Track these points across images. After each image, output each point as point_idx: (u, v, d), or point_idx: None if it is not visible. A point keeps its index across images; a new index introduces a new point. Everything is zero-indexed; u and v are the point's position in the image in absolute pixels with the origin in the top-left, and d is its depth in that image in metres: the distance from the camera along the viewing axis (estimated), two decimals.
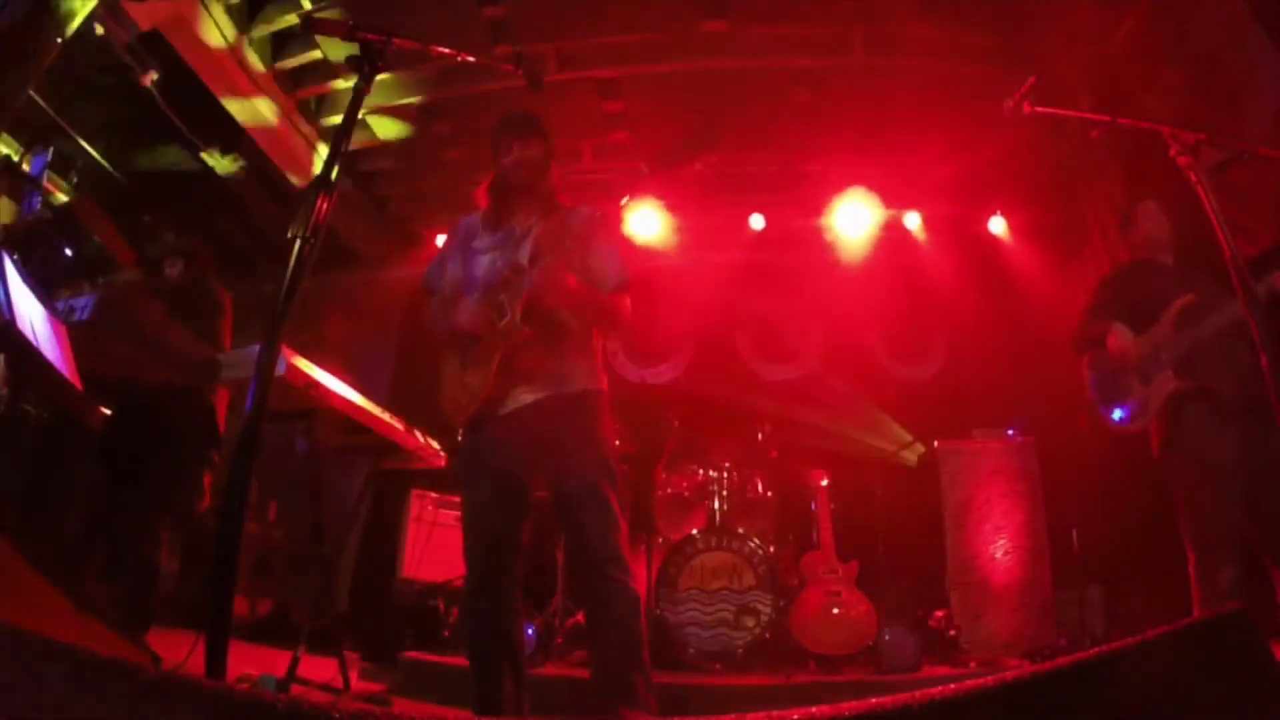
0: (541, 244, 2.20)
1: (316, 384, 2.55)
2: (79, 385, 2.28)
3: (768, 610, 3.67)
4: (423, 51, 1.80)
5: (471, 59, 1.98)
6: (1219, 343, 2.52)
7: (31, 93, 3.61)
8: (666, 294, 5.88)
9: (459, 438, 2.26)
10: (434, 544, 4.67)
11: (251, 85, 4.65)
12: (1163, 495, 2.72)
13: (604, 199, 2.20)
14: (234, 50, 4.44)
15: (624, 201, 2.18)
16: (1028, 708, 0.94)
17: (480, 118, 4.77)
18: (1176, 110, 4.02)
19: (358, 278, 6.22)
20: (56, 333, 2.27)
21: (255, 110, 4.81)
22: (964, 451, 4.73)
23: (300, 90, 5.02)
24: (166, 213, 5.28)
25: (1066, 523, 4.50)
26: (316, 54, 4.75)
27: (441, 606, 4.15)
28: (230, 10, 4.32)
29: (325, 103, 5.29)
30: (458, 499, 4.59)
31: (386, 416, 2.92)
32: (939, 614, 4.23)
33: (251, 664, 2.60)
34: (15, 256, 2.14)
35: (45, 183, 4.46)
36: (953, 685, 0.96)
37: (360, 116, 4.13)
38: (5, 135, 4.32)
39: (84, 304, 2.58)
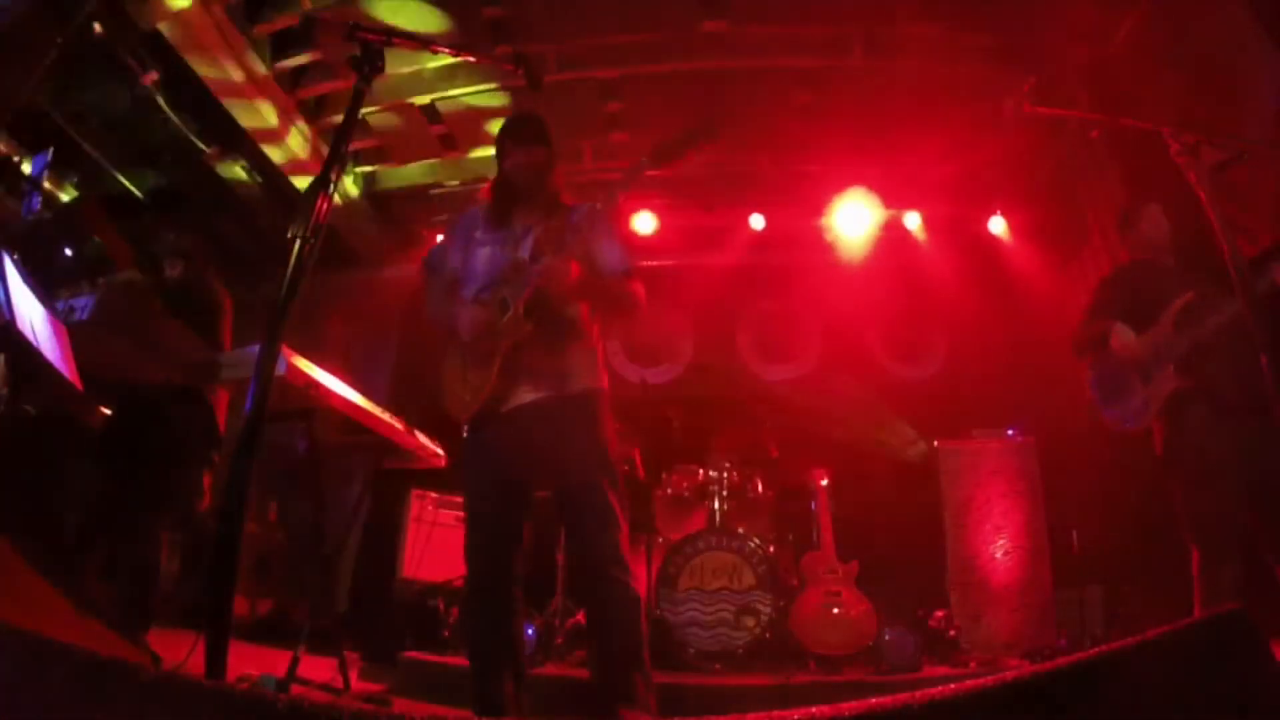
0: (544, 241, 2.21)
1: (316, 384, 2.55)
2: (79, 385, 2.28)
3: (768, 610, 3.67)
4: (423, 51, 1.80)
5: (472, 59, 1.99)
6: (1220, 341, 2.52)
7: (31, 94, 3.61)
8: (666, 294, 5.88)
9: (464, 435, 2.26)
10: (434, 544, 4.67)
11: (252, 85, 4.65)
12: (1163, 495, 2.72)
13: (605, 195, 2.20)
14: (234, 50, 4.44)
15: (625, 190, 2.18)
16: (1028, 708, 0.94)
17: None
18: (1176, 110, 4.02)
19: (358, 278, 6.22)
20: (56, 333, 2.27)
21: (255, 110, 4.81)
22: (964, 451, 4.73)
23: (300, 90, 5.02)
24: (166, 213, 5.29)
25: (1066, 523, 4.50)
26: (317, 54, 4.76)
27: (441, 606, 4.14)
28: (230, 10, 4.32)
29: (325, 103, 5.29)
30: (458, 499, 4.63)
31: (386, 416, 2.92)
32: (939, 614, 4.22)
33: (251, 664, 2.59)
34: (15, 256, 2.14)
35: (45, 183, 4.46)
36: (953, 685, 0.96)
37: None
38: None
39: (84, 304, 2.57)
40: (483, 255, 2.30)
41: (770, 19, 4.53)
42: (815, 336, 6.46)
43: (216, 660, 1.25)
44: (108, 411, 2.90)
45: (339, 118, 4.99)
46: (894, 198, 5.73)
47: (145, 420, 2.92)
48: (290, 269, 1.48)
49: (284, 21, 4.47)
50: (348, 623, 4.63)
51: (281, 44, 4.73)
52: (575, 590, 3.75)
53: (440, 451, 3.23)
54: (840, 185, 5.65)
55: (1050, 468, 4.61)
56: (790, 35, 4.61)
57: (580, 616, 3.62)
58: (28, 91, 3.56)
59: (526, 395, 2.16)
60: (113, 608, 2.64)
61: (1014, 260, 5.72)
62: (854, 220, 5.73)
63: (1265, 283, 2.32)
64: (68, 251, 3.97)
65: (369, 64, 1.69)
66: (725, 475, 4.24)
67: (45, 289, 2.32)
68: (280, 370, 2.33)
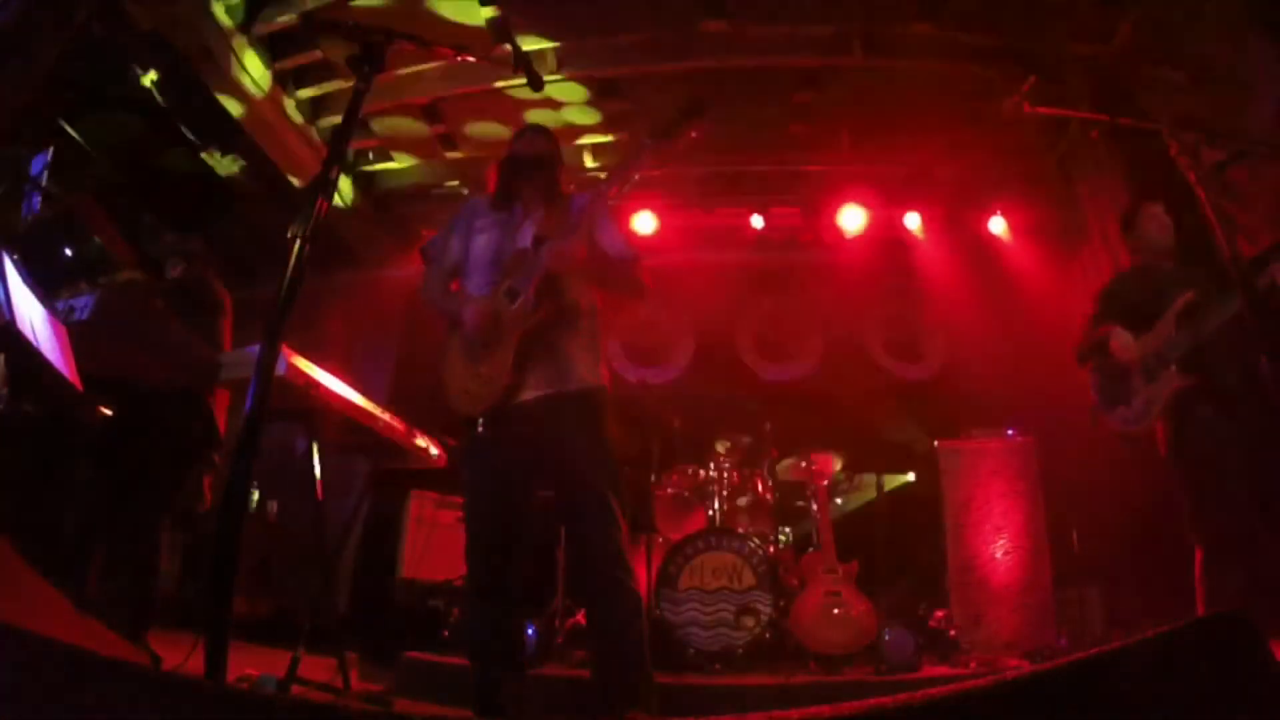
0: (547, 227, 2.22)
1: (316, 384, 2.55)
2: (79, 385, 2.28)
3: (768, 610, 3.67)
4: (423, 51, 1.80)
5: (472, 59, 1.99)
6: (1223, 339, 2.52)
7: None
8: (666, 294, 5.88)
9: (467, 431, 2.25)
10: (434, 544, 4.67)
11: (251, 85, 4.65)
12: (1163, 495, 2.72)
13: (611, 178, 2.23)
14: (234, 50, 4.44)
15: (630, 174, 2.19)
16: (1028, 708, 0.94)
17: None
18: (1176, 110, 4.02)
19: (358, 278, 6.22)
20: (56, 333, 2.27)
21: (255, 110, 4.81)
22: (964, 451, 4.72)
23: (300, 90, 5.02)
24: (167, 213, 5.28)
25: (1066, 523, 4.49)
26: (316, 54, 4.75)
27: (441, 606, 4.15)
28: (230, 10, 4.32)
29: (325, 103, 5.29)
30: (458, 499, 4.63)
31: (386, 416, 2.92)
32: (939, 614, 4.22)
33: (251, 664, 2.59)
34: (15, 256, 2.14)
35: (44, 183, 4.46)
36: (953, 685, 0.96)
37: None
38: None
39: (84, 304, 2.57)
40: (484, 242, 2.32)
41: (770, 19, 4.53)
42: (815, 336, 6.46)
43: (216, 660, 1.25)
44: (108, 411, 2.90)
45: (339, 118, 4.99)
46: (894, 197, 5.73)
47: (145, 420, 2.92)
48: (290, 269, 1.48)
49: (284, 22, 4.47)
50: (348, 623, 4.64)
51: (282, 44, 4.74)
52: (575, 590, 3.75)
53: (440, 452, 3.24)
54: (840, 185, 5.65)
55: (1050, 468, 4.61)
56: (790, 35, 4.61)
57: (580, 616, 3.62)
58: (28, 91, 3.55)
59: (528, 392, 2.16)
60: (113, 608, 2.64)
61: (1014, 260, 5.72)
62: (854, 220, 5.73)
63: (1265, 282, 2.32)
64: (68, 251, 3.97)
65: (369, 64, 1.69)
66: (725, 475, 4.24)
67: (45, 289, 2.32)
68: (280, 370, 2.33)
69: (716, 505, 4.18)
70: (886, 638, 3.46)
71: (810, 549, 3.98)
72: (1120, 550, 4.33)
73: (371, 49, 1.69)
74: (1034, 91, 2.00)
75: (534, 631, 3.52)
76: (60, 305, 2.53)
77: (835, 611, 3.61)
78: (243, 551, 1.37)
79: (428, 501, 4.95)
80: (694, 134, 2.10)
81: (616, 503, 2.10)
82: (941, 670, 3.54)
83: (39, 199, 4.26)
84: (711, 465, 4.30)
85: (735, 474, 4.28)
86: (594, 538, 2.07)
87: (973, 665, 3.66)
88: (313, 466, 2.78)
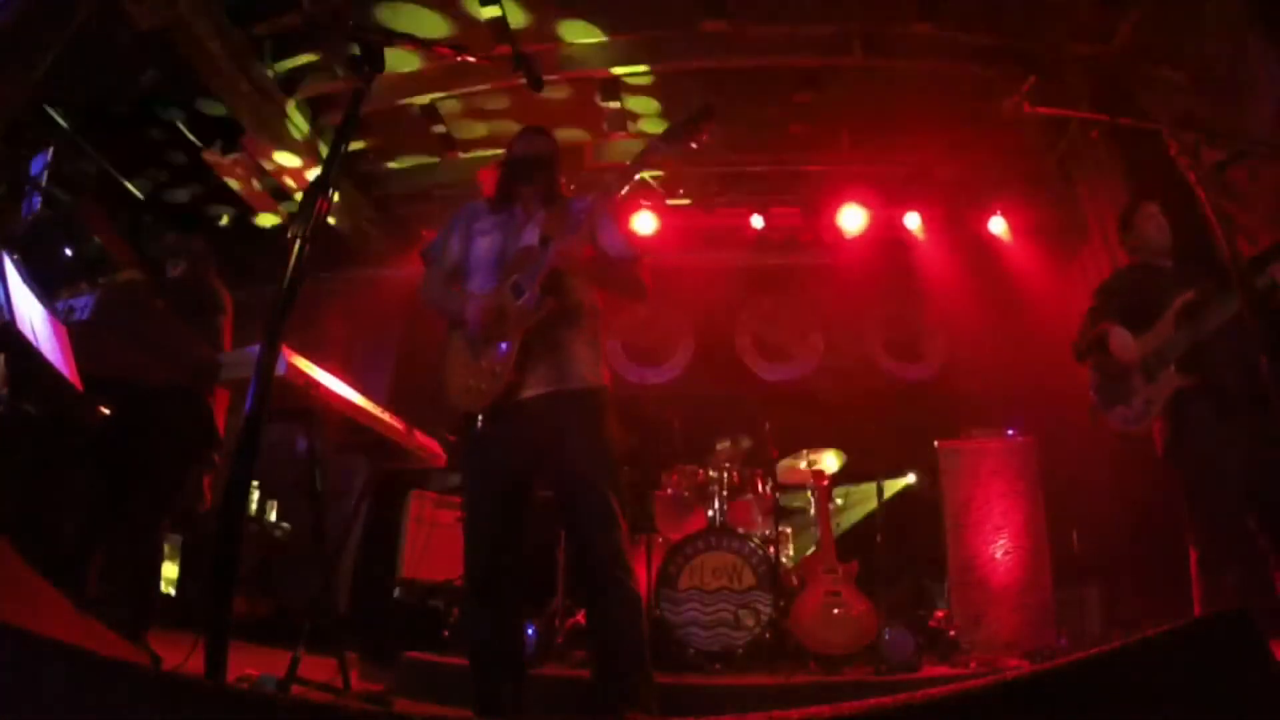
0: (550, 227, 2.22)
1: (316, 384, 2.55)
2: (79, 385, 2.28)
3: (768, 610, 3.67)
4: (423, 51, 1.80)
5: (472, 59, 1.99)
6: (1222, 338, 2.52)
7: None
8: (666, 294, 5.88)
9: (467, 428, 2.25)
10: (434, 544, 4.67)
11: (251, 85, 4.65)
12: (1163, 494, 2.72)
13: (617, 177, 2.23)
14: (234, 50, 4.44)
15: (635, 174, 2.20)
16: (1028, 708, 0.94)
17: None
18: (1176, 110, 4.02)
19: (358, 278, 6.22)
20: (56, 333, 2.27)
21: (255, 110, 4.81)
22: (964, 451, 4.72)
23: (300, 90, 5.01)
24: (167, 213, 5.29)
25: (1066, 523, 4.49)
26: (316, 54, 4.75)
27: (441, 606, 4.14)
28: (230, 10, 4.32)
29: (325, 103, 5.28)
30: (458, 499, 4.63)
31: (386, 416, 2.92)
32: (939, 614, 4.22)
33: (251, 664, 2.59)
34: (15, 256, 2.14)
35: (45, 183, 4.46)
36: (953, 685, 0.96)
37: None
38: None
39: (84, 304, 2.57)
40: (486, 244, 2.32)
41: (770, 19, 4.53)
42: (815, 337, 6.46)
43: (216, 660, 1.25)
44: (108, 411, 2.89)
45: (338, 118, 4.99)
46: (894, 197, 5.73)
47: (145, 420, 2.91)
48: (290, 269, 1.48)
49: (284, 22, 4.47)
50: (348, 623, 4.64)
51: (282, 44, 4.74)
52: (575, 590, 3.76)
53: (440, 452, 3.23)
54: (840, 185, 5.65)
55: (1050, 468, 4.61)
56: (790, 35, 4.62)
57: (580, 616, 3.62)
58: (28, 91, 3.55)
59: (529, 390, 2.16)
60: (113, 608, 2.64)
61: (1014, 260, 5.72)
62: (854, 220, 5.73)
63: (1264, 282, 2.32)
64: (68, 251, 3.97)
65: (369, 64, 1.69)
66: (725, 475, 4.24)
67: (45, 289, 2.32)
68: (280, 370, 2.33)
69: (716, 505, 4.18)
70: (886, 638, 3.46)
71: (811, 549, 3.98)
72: (1120, 550, 4.33)
73: (371, 49, 1.69)
74: (1034, 91, 2.00)
75: (534, 631, 3.52)
76: (60, 305, 2.54)
77: (835, 611, 3.61)
78: (243, 551, 1.37)
79: (428, 501, 4.95)
80: (705, 136, 2.11)
81: (616, 502, 2.10)
82: (941, 670, 3.53)
83: (39, 199, 4.26)
84: (711, 465, 4.30)
85: (735, 474, 4.28)
86: (594, 538, 2.07)
87: (973, 665, 3.65)
88: (313, 466, 2.78)
